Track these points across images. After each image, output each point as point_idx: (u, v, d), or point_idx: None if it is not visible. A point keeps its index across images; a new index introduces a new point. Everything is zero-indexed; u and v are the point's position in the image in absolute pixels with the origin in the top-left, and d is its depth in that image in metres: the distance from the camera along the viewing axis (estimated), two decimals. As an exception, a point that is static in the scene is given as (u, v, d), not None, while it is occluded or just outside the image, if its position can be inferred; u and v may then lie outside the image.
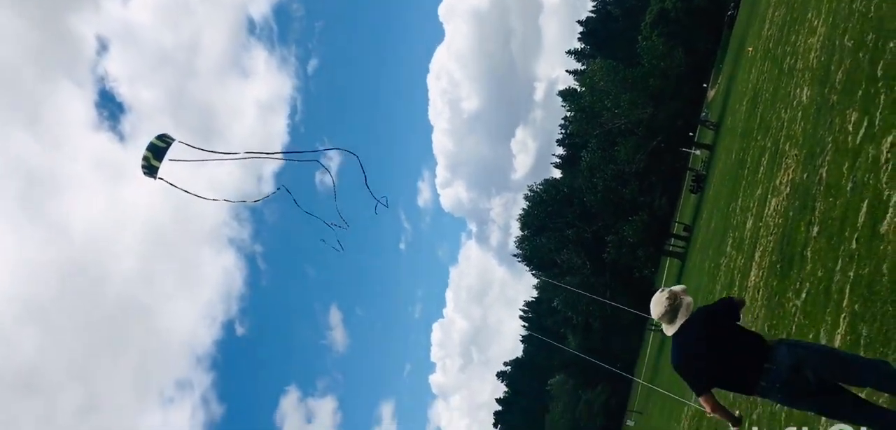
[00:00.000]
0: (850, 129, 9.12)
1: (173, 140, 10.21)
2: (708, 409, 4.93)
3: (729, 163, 28.31)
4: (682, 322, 4.89)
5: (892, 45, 8.34)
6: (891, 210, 6.61)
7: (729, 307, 4.87)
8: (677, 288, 5.03)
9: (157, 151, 10.17)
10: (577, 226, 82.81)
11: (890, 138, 7.26)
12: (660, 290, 5.07)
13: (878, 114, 8.04)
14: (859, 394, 4.69)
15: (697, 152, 57.76)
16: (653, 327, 62.18)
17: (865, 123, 8.43)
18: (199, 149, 10.70)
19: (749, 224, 16.53)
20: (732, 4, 59.20)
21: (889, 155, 7.16)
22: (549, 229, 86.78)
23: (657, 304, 4.99)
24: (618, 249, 74.33)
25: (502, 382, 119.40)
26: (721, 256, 20.54)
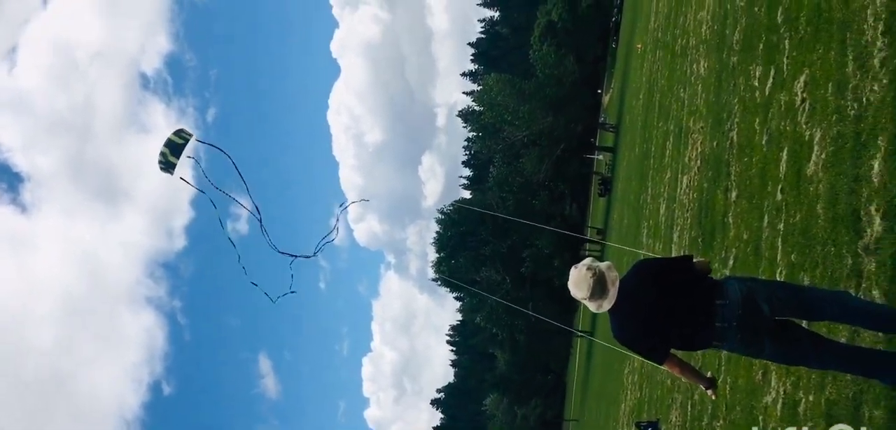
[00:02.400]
0: (757, 84, 8.84)
1: (191, 135, 10.00)
2: (677, 374, 4.27)
3: (633, 158, 28.59)
4: (615, 293, 4.11)
5: (788, -10, 8.08)
6: (816, 148, 6.20)
7: (685, 261, 4.19)
8: (597, 262, 4.27)
9: (175, 147, 9.91)
10: (491, 242, 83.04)
11: (802, 78, 6.90)
12: (576, 266, 4.26)
13: (784, 60, 7.72)
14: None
15: (600, 157, 58.91)
16: (580, 333, 62.59)
17: (772, 74, 8.13)
18: (215, 147, 10.54)
19: (662, 209, 16.36)
20: (616, 9, 61.03)
21: (804, 94, 6.79)
22: (465, 249, 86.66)
23: (580, 281, 4.15)
24: (535, 261, 74.96)
25: (437, 409, 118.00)
26: (638, 247, 20.41)
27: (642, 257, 4.63)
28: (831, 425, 4.84)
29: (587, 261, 4.21)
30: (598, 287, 4.06)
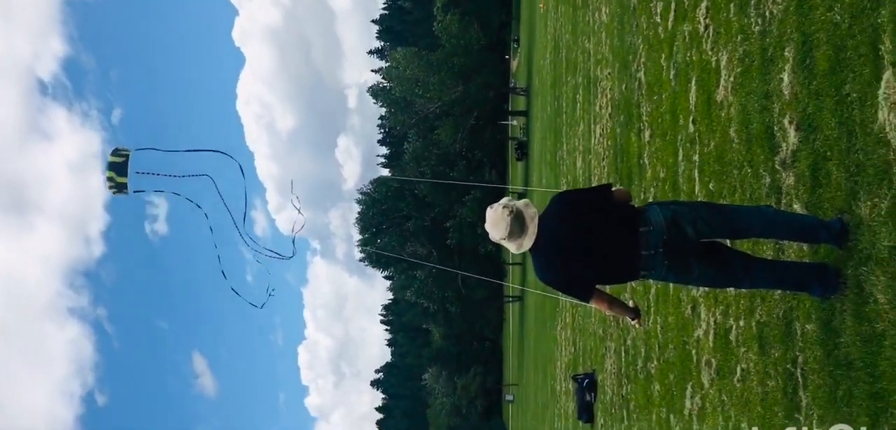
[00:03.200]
0: (659, 20, 8.79)
1: (129, 151, 9.96)
2: (605, 310, 4.06)
3: (545, 118, 28.74)
4: (535, 230, 3.83)
5: (681, -80, 8.00)
6: (723, 73, 6.13)
7: (603, 190, 3.96)
8: (514, 201, 3.97)
9: (118, 167, 9.91)
10: (414, 217, 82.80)
11: (704, 4, 6.83)
12: (491, 207, 3.97)
13: (686, -8, 7.65)
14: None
15: (514, 122, 59.32)
16: (509, 299, 63.22)
17: (673, 7, 8.07)
18: (156, 149, 10.67)
19: (579, 163, 16.40)
20: (516, -27, 61.23)
21: (707, 21, 6.72)
22: (389, 226, 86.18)
23: (498, 221, 3.84)
24: (459, 231, 75.16)
25: (378, 390, 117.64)
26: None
27: (560, 191, 4.39)
28: (764, 348, 4.78)
29: (503, 200, 3.94)
30: (516, 225, 3.79)
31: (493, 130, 70.88)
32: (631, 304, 4.23)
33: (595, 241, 3.76)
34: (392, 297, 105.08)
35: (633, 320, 4.15)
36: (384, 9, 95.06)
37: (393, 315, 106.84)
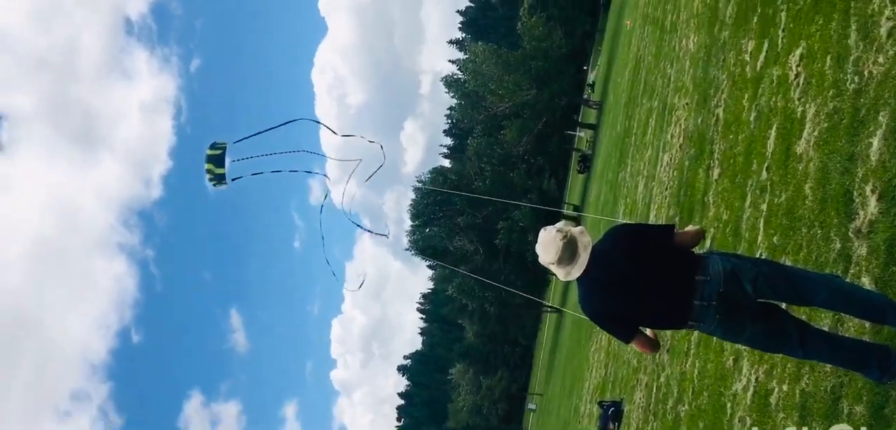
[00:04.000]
0: (748, 59, 8.47)
1: (226, 143, 10.17)
2: (647, 351, 3.92)
3: (614, 136, 28.28)
4: (586, 260, 3.69)
5: (789, -40, 7.67)
6: (808, 125, 5.84)
7: (665, 231, 3.80)
8: (570, 226, 3.85)
9: (216, 159, 10.13)
10: (467, 212, 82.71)
11: (798, 51, 6.53)
12: (545, 228, 3.84)
13: (779, 33, 7.35)
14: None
15: (581, 134, 58.58)
16: (548, 309, 62.68)
17: (765, 47, 7.75)
18: (255, 135, 10.63)
19: (641, 187, 16.06)
20: (608, -15, 60.38)
21: (799, 69, 6.42)
22: (440, 217, 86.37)
23: (549, 244, 3.72)
24: (509, 234, 74.86)
25: (403, 376, 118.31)
26: (614, 222, 20.16)
27: (619, 223, 4.23)
28: (805, 419, 4.54)
29: (559, 223, 3.81)
30: (568, 252, 3.67)
31: (560, 138, 70.23)
32: (648, 332, 4.04)
33: (648, 282, 3.60)
34: (432, 287, 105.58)
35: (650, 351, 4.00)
36: (471, 1, 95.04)
37: (431, 305, 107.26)
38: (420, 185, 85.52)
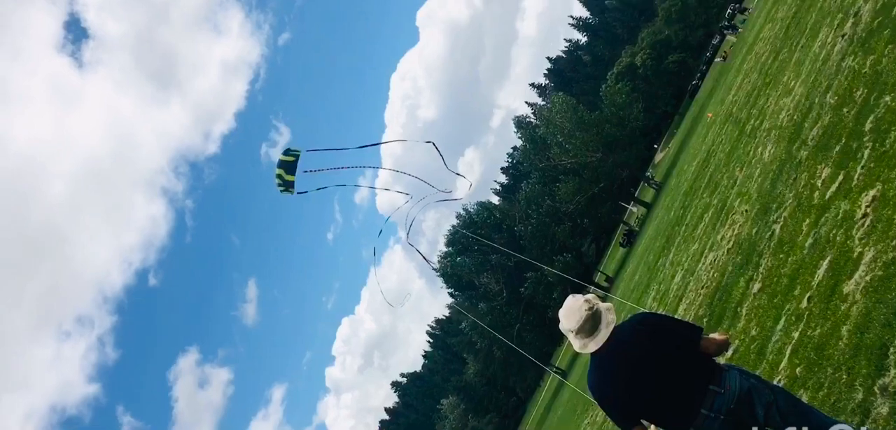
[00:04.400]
0: (819, 185, 8.28)
1: (299, 151, 10.39)
2: None
3: (665, 220, 27.96)
4: (605, 337, 3.64)
5: (887, 99, 7.51)
6: (862, 267, 5.66)
7: (692, 331, 3.69)
8: (599, 301, 3.81)
9: (288, 166, 10.38)
10: (500, 252, 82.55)
11: (872, 192, 6.36)
12: (574, 295, 3.80)
13: (858, 168, 7.17)
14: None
15: (634, 209, 58.12)
16: (554, 370, 62.13)
17: (840, 178, 7.57)
18: (327, 149, 10.88)
19: (677, 278, 15.80)
20: (699, 75, 60.08)
21: (868, 210, 6.25)
22: (474, 250, 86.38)
23: (573, 311, 3.68)
24: (536, 285, 74.65)
25: (395, 392, 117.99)
26: (640, 307, 19.90)
27: (645, 310, 4.14)
28: None
29: (589, 295, 3.79)
30: (589, 324, 3.62)
31: (612, 207, 69.78)
32: (650, 427, 3.94)
33: (662, 378, 3.51)
34: (447, 315, 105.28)
35: None
36: (563, 52, 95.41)
37: (441, 331, 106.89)
38: (464, 213, 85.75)
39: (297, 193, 10.89)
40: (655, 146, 66.38)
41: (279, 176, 10.60)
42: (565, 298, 3.88)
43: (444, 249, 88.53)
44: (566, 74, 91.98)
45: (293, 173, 10.55)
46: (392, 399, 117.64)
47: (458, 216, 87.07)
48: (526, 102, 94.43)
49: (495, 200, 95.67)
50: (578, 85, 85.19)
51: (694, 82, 60.47)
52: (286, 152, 10.51)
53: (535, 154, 76.35)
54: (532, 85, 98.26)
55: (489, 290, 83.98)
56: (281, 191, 10.72)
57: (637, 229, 47.68)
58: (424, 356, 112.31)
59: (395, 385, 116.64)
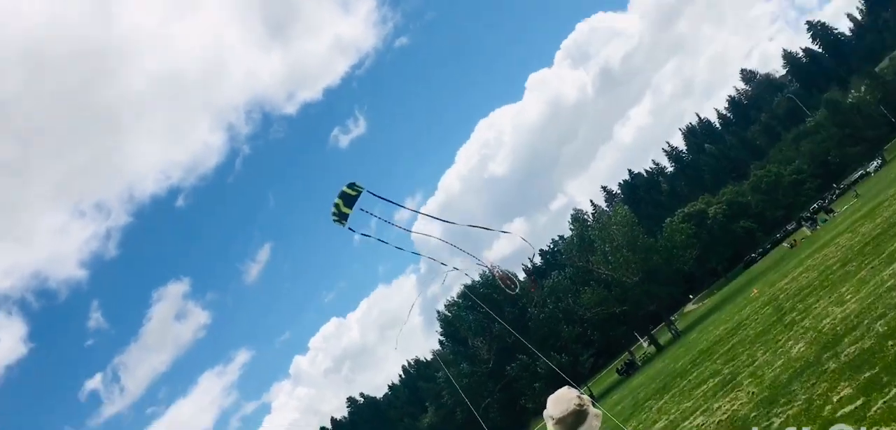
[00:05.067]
0: (834, 400, 7.90)
1: (362, 189, 10.85)
2: None
3: (670, 368, 27.51)
4: None
5: (937, 346, 7.12)
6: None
7: None
8: (591, 404, 3.58)
9: (348, 199, 10.85)
10: (506, 325, 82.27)
11: (887, 428, 5.96)
12: (570, 388, 3.58)
13: (880, 400, 6.81)
14: None
15: (646, 344, 57.44)
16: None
17: (858, 402, 7.20)
18: (387, 200, 11.74)
19: (659, 425, 15.34)
20: (761, 251, 59.54)
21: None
22: (481, 312, 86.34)
23: (563, 400, 3.47)
24: (522, 370, 74.33)
25: (348, 407, 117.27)
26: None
27: None
28: None
29: (585, 395, 3.57)
30: (573, 419, 3.41)
31: (625, 333, 69.22)
32: None
33: None
34: (429, 359, 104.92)
35: None
36: (646, 170, 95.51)
37: (415, 371, 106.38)
38: (487, 272, 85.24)
39: (348, 228, 11.33)
40: (691, 296, 65.64)
41: (337, 206, 10.95)
42: (546, 393, 3.66)
43: (456, 298, 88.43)
44: (639, 192, 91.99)
45: (351, 207, 10.98)
46: (342, 412, 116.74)
47: (481, 275, 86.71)
48: (591, 201, 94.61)
49: (522, 276, 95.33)
50: (646, 207, 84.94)
51: (754, 255, 59.86)
52: (351, 186, 10.87)
53: (577, 251, 76.03)
54: (604, 188, 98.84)
55: (477, 354, 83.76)
56: (334, 220, 11.05)
57: (639, 364, 47.15)
58: (390, 388, 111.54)
59: (351, 402, 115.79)
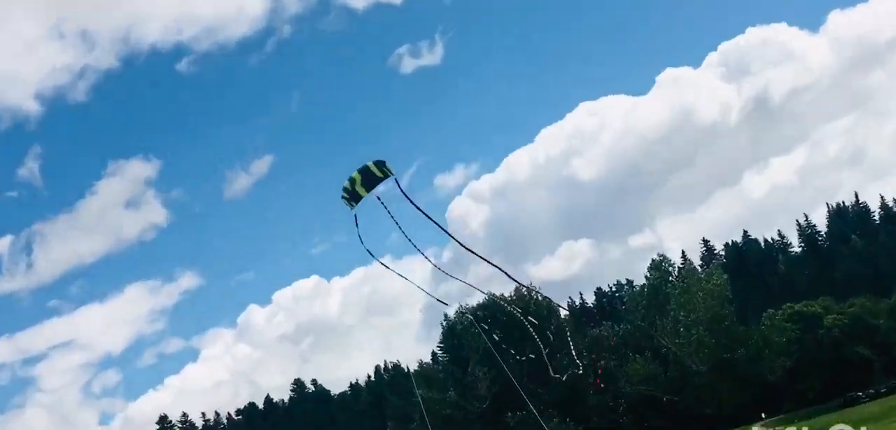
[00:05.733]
0: None
1: (392, 173, 10.07)
2: None
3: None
4: None
5: None
6: None
7: None
8: None
9: (369, 179, 9.98)
10: (518, 362, 76.79)
11: None
12: None
13: None
14: None
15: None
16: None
17: None
18: (418, 208, 10.74)
19: None
20: (873, 392, 54.25)
21: None
22: (495, 331, 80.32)
23: None
24: (521, 425, 70.02)
25: (292, 391, 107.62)
26: None
27: None
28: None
29: None
30: None
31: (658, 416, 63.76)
32: None
33: None
34: (413, 369, 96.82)
35: None
36: (764, 239, 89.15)
37: (389, 379, 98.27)
38: (526, 293, 79.74)
39: (354, 213, 10.60)
40: (763, 415, 59.30)
41: (352, 182, 10.07)
42: None
43: (472, 306, 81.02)
44: (748, 263, 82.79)
45: (369, 190, 10.14)
46: (284, 394, 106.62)
47: (514, 296, 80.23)
48: (682, 252, 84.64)
49: (564, 311, 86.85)
50: (749, 286, 76.55)
51: (861, 393, 53.88)
52: (379, 165, 10.05)
53: (644, 307, 70.19)
54: (705, 241, 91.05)
55: (474, 387, 77.48)
56: (343, 197, 10.34)
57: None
58: (351, 386, 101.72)
59: (298, 385, 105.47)
